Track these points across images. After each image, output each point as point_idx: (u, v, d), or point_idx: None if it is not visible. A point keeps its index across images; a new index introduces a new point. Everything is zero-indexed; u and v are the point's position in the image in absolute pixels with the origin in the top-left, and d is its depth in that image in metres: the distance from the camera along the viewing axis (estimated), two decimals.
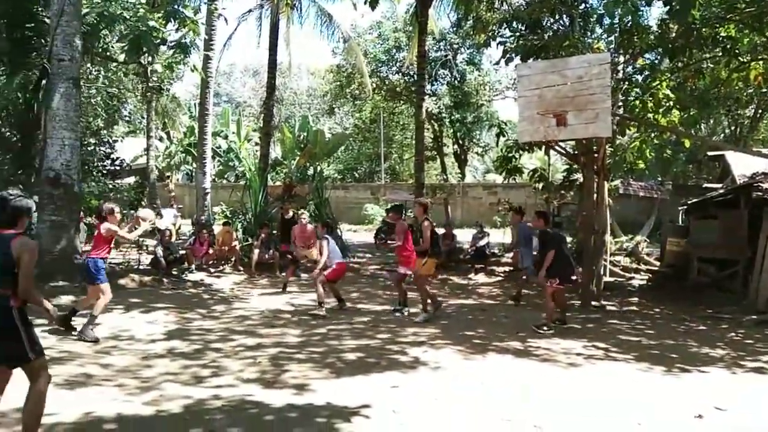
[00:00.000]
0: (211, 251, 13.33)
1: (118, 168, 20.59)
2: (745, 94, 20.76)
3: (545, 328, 8.03)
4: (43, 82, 11.31)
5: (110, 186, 16.96)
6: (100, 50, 14.37)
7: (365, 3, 14.36)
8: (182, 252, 12.91)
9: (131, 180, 25.05)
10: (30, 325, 3.88)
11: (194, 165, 27.09)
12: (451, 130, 32.83)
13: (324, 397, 5.14)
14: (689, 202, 14.28)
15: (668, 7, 9.94)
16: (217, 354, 6.58)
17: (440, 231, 16.28)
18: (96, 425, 4.47)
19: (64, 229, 10.37)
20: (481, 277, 13.67)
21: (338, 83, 32.20)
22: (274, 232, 13.95)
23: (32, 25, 12.34)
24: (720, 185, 16.16)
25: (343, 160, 40.50)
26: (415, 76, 20.41)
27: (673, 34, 10.95)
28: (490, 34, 13.85)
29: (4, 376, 3.94)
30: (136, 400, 5.00)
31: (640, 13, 10.88)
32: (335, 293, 9.56)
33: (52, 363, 5.91)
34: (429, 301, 8.90)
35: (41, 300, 4.00)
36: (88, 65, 16.16)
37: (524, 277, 10.72)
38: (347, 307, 9.52)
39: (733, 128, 30.26)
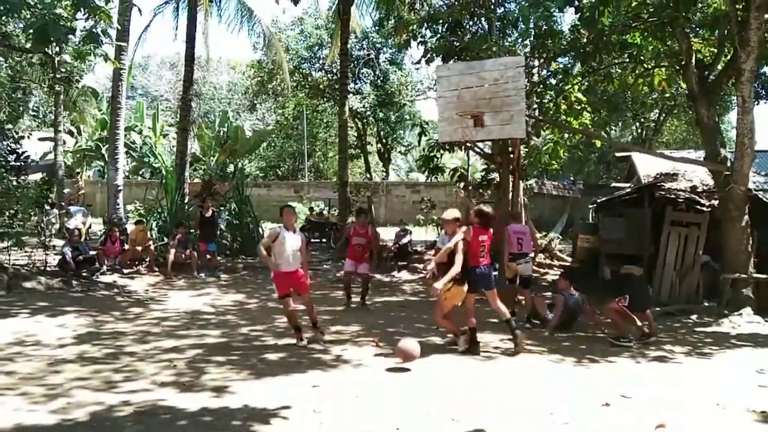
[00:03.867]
0: (125, 248, 12.83)
1: (23, 164, 19.36)
2: (650, 98, 22.10)
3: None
4: None
5: (14, 183, 15.93)
6: (1, 38, 13.46)
7: None
8: (93, 252, 12.31)
9: (38, 177, 23.61)
10: None
11: (106, 161, 25.81)
12: (375, 129, 33.05)
13: (242, 400, 5.04)
14: (599, 200, 14.98)
15: (579, 14, 10.41)
16: (131, 358, 6.33)
17: None
18: None
19: None
20: (404, 275, 13.83)
21: (259, 79, 31.69)
22: (191, 231, 13.55)
23: None
24: (627, 185, 17.07)
25: (266, 157, 39.88)
26: (338, 74, 20.38)
27: (585, 40, 11.48)
28: (411, 34, 14.04)
29: None
30: (42, 408, 4.73)
31: (554, 18, 11.37)
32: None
33: None
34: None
35: None
36: None
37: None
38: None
39: (640, 131, 32.10)
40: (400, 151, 38.81)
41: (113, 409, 4.79)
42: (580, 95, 12.33)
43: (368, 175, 35.10)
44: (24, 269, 11.32)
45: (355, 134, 32.58)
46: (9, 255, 12.13)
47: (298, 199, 30.12)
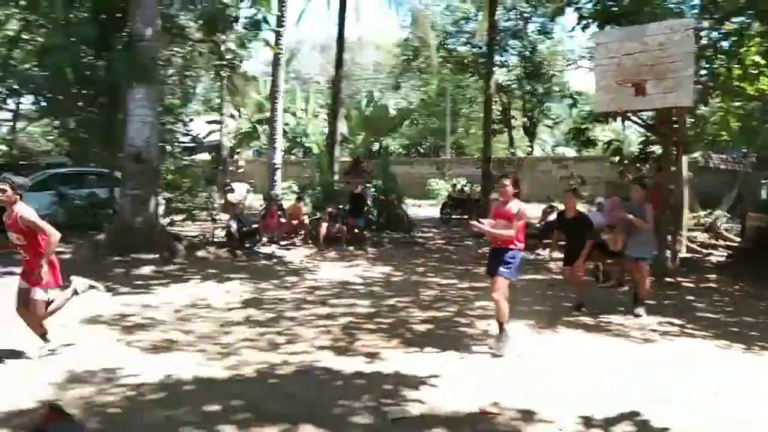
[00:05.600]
0: (282, 222, 13.69)
1: (193, 145, 21.36)
2: None
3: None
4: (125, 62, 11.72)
5: (186, 162, 17.61)
6: (176, 30, 14.81)
7: None
8: (254, 226, 13.30)
9: (205, 156, 25.87)
10: None
11: (263, 141, 27.51)
12: (521, 102, 32.12)
13: (392, 366, 5.23)
14: None
15: None
16: (290, 322, 6.80)
17: None
18: (176, 386, 4.74)
19: (144, 203, 10.90)
20: (549, 253, 13.40)
21: (405, 57, 31.96)
22: (340, 206, 14.12)
23: (119, 6, 12.81)
24: None
25: (408, 134, 40.38)
26: (484, 48, 20.00)
27: None
28: (564, 0, 13.40)
29: None
30: (217, 364, 5.25)
31: None
32: None
33: (137, 329, 6.30)
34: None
35: None
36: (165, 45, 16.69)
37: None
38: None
39: None
40: (546, 125, 37.43)
41: (275, 367, 5.20)
42: (757, 58, 11.07)
43: (512, 151, 34.28)
44: (196, 240, 12.54)
45: (500, 108, 31.89)
46: (183, 227, 13.50)
47: (440, 176, 30.30)
